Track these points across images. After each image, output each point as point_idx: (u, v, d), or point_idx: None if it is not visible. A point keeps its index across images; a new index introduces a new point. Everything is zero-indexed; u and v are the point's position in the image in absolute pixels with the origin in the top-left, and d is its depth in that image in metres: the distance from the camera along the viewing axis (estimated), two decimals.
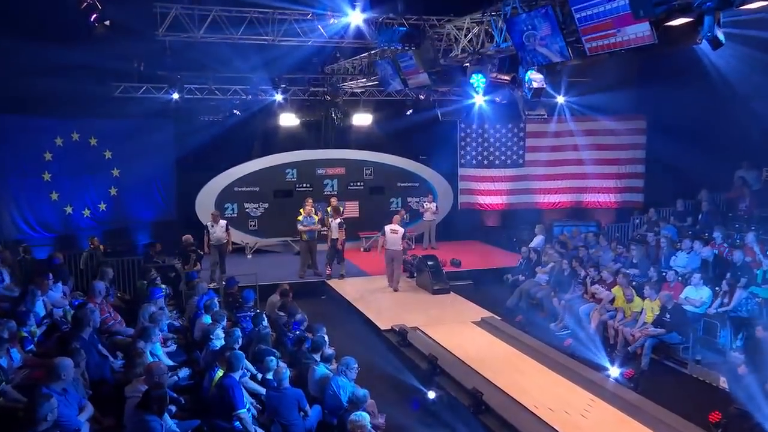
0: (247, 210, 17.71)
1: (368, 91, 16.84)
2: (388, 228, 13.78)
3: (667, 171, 15.05)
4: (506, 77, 9.51)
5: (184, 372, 7.09)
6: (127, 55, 13.71)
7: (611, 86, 15.22)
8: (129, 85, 14.94)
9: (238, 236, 16.50)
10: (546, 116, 15.38)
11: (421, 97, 15.65)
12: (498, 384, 8.33)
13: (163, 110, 15.80)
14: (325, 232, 14.94)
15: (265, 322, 8.51)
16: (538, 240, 14.88)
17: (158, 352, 7.38)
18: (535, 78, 8.43)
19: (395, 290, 13.47)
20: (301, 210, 14.90)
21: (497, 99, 15.07)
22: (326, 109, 17.28)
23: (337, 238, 14.24)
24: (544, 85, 8.37)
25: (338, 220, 14.41)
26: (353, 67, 14.78)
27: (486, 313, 11.70)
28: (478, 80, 9.46)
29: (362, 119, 17.39)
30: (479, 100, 14.90)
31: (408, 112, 17.52)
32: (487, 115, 17.04)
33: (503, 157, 19.03)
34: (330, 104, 16.32)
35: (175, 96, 15.02)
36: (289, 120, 16.61)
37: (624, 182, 18.07)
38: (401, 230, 13.84)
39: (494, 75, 9.56)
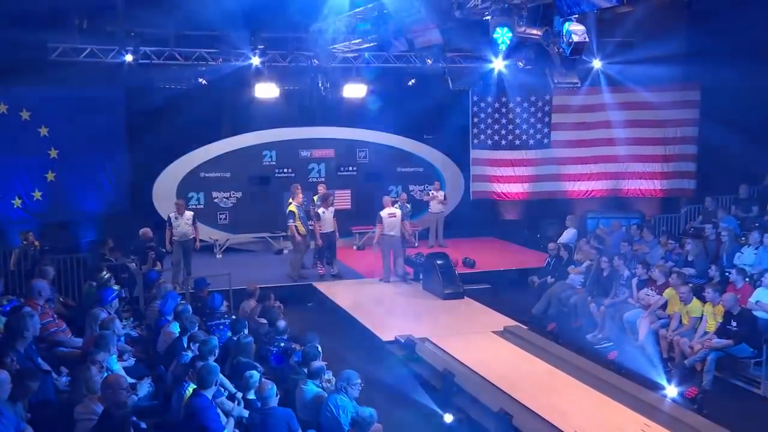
0: (215, 200, 17.61)
1: (362, 57, 16.64)
2: (384, 213, 14.29)
3: (725, 151, 14.93)
4: (537, 32, 9.31)
5: (144, 387, 6.88)
6: (67, 8, 13.44)
7: (658, 47, 15.05)
8: (69, 47, 14.65)
9: (205, 232, 16.32)
10: (578, 85, 15.25)
11: (428, 61, 15.43)
12: (529, 405, 8.22)
13: (112, 77, 15.48)
14: (311, 227, 14.84)
15: (246, 330, 8.42)
16: (569, 234, 14.78)
17: (114, 367, 7.18)
18: (575, 30, 8.24)
19: (400, 277, 14.12)
20: (291, 199, 14.81)
21: (520, 63, 14.90)
22: (312, 78, 17.06)
23: (334, 231, 14.46)
24: (587, 39, 8.18)
25: (332, 210, 14.56)
26: (345, 26, 14.54)
27: (509, 322, 11.66)
28: (503, 35, 9.22)
29: (355, 90, 17.19)
30: (498, 65, 14.74)
31: (410, 82, 17.35)
32: (507, 84, 16.88)
33: (525, 137, 18.93)
34: (317, 71, 16.09)
35: (128, 58, 14.74)
36: (266, 90, 16.35)
37: (672, 166, 17.97)
38: (399, 212, 14.30)
39: (522, 29, 9.35)
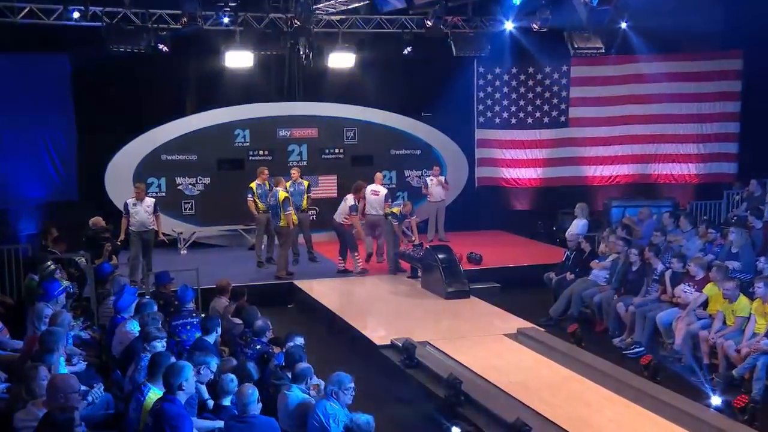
0: (179, 187, 17.58)
1: (351, 20, 16.53)
2: (368, 189, 15.17)
3: None
4: None
5: (97, 392, 6.76)
6: None
7: (696, 8, 15.02)
8: (4, 5, 14.54)
9: (167, 224, 16.24)
10: (602, 50, 15.20)
11: (428, 23, 15.36)
12: (551, 417, 8.16)
13: (56, 42, 15.43)
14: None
15: (219, 329, 8.42)
16: (578, 226, 14.63)
17: (62, 370, 7.04)
18: None
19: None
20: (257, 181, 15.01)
21: (535, 26, 14.91)
22: (292, 45, 16.94)
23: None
24: None
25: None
26: None
27: (523, 323, 11.64)
28: None
29: (342, 60, 17.20)
30: (508, 27, 14.74)
31: (406, 51, 17.26)
32: (518, 51, 16.85)
33: (538, 114, 18.98)
34: (298, 34, 15.96)
35: (76, 15, 14.55)
36: (239, 59, 16.35)
37: (710, 147, 18.08)
38: (384, 191, 15.16)
39: None
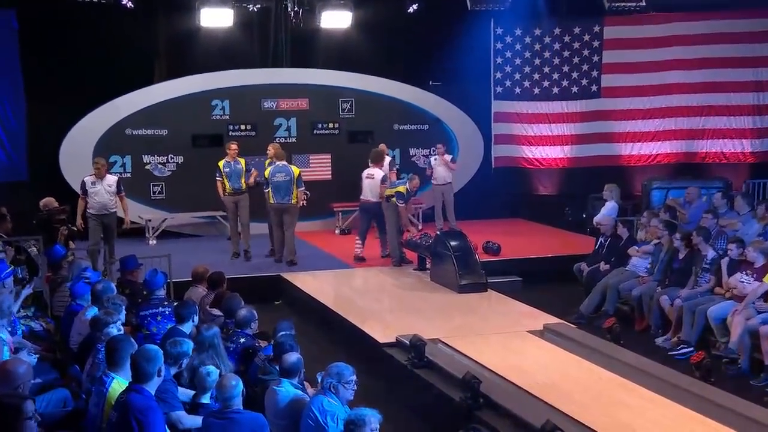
0: (147, 167, 17.68)
1: None
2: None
3: None
4: None
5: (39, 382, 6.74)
6: None
7: None
8: None
9: (133, 209, 16.28)
10: (642, 4, 15.14)
11: None
12: (586, 421, 8.03)
13: None
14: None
15: (196, 317, 8.40)
16: (607, 210, 14.56)
17: (5, 355, 7.04)
18: None
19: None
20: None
21: None
22: (278, 1, 16.94)
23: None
24: None
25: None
26: None
27: (551, 319, 11.57)
28: None
29: (337, 19, 17.28)
30: None
31: (411, 9, 17.24)
32: (542, 8, 16.83)
33: (566, 83, 19.03)
34: None
35: None
36: (216, 17, 16.40)
37: (767, 120, 18.05)
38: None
39: None
